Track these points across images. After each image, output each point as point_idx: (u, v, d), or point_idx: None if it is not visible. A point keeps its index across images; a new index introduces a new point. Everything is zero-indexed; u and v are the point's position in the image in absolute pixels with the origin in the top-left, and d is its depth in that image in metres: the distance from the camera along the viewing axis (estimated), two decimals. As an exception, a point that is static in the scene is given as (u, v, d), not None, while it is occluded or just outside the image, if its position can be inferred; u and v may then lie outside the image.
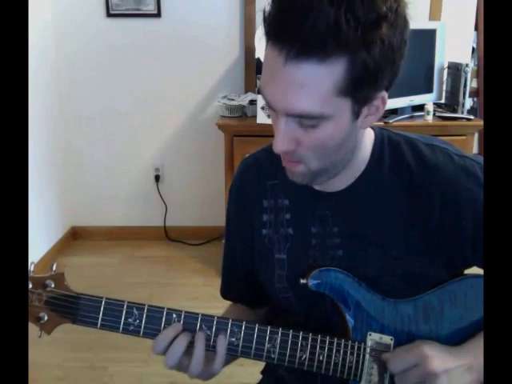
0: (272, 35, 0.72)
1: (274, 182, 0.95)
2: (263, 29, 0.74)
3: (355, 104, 0.75)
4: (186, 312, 0.86)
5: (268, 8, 0.72)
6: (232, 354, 0.87)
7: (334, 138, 0.77)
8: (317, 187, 0.90)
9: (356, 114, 0.76)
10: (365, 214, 0.90)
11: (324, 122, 0.74)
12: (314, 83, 0.71)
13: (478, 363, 0.81)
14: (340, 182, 0.89)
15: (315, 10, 0.67)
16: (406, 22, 0.73)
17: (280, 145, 0.77)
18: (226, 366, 0.94)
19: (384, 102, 0.78)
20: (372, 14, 0.68)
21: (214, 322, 0.86)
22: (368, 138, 0.89)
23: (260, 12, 0.74)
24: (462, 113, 2.82)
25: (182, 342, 0.84)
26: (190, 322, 0.86)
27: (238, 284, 1.06)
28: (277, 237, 0.94)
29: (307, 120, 0.74)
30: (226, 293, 1.09)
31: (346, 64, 0.69)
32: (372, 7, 0.68)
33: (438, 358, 0.82)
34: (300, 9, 0.67)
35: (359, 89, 0.73)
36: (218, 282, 1.09)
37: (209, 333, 0.86)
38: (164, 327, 0.85)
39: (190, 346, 0.85)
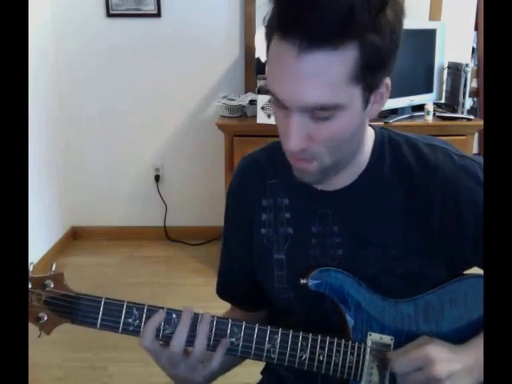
0: (281, 29, 0.71)
1: (273, 180, 0.95)
2: (268, 26, 0.73)
3: (365, 91, 0.75)
4: (186, 312, 0.86)
5: (273, 7, 0.72)
6: (232, 354, 0.87)
7: (347, 128, 0.77)
8: (317, 186, 0.90)
9: (366, 102, 0.76)
10: (365, 213, 0.89)
11: (337, 113, 0.74)
12: (328, 72, 0.70)
13: (479, 364, 0.80)
14: (340, 181, 0.89)
15: None
16: (402, 9, 0.74)
17: (294, 143, 0.76)
18: (226, 372, 0.95)
19: (388, 89, 0.79)
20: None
21: (214, 323, 0.86)
22: (368, 137, 0.89)
23: (260, 12, 0.74)
24: (462, 113, 2.82)
25: (201, 340, 0.83)
26: (189, 322, 0.85)
27: (235, 283, 1.05)
28: (276, 236, 0.94)
29: (321, 112, 0.73)
30: (222, 291, 1.08)
31: (359, 50, 0.70)
32: None
33: (442, 362, 0.81)
34: None
35: (370, 74, 0.73)
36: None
37: (209, 333, 0.85)
38: (164, 327, 0.85)
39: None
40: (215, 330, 0.86)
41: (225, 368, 0.97)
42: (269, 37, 0.75)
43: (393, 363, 0.84)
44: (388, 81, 0.78)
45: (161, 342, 0.85)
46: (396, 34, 0.72)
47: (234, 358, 0.92)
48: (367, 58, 0.71)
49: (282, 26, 0.71)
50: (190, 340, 0.84)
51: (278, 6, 0.71)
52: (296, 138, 0.75)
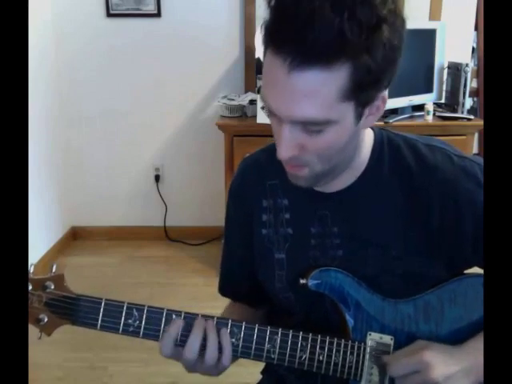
0: (274, 44, 0.71)
1: (273, 181, 0.95)
2: (264, 37, 0.73)
3: (358, 106, 0.75)
4: (185, 313, 0.86)
5: (268, 16, 0.72)
6: (232, 355, 0.87)
7: (339, 141, 0.78)
8: (317, 188, 0.90)
9: (359, 116, 0.77)
10: (364, 214, 0.90)
11: (329, 127, 0.74)
12: (319, 90, 0.71)
13: (478, 365, 0.80)
14: (340, 183, 0.89)
15: (318, 17, 0.67)
16: (403, 21, 0.74)
17: (284, 152, 0.77)
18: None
19: (384, 102, 0.79)
20: (373, 17, 0.68)
21: (214, 322, 0.86)
22: (367, 138, 0.89)
23: (260, 12, 0.74)
24: (462, 113, 2.82)
25: (197, 334, 0.83)
26: (190, 322, 0.85)
27: (237, 282, 1.06)
28: (276, 237, 0.94)
29: (312, 126, 0.74)
30: (224, 291, 1.09)
31: (350, 69, 0.70)
32: (373, 11, 0.68)
33: (439, 365, 0.81)
34: (303, 17, 0.67)
35: (362, 92, 0.73)
36: (217, 282, 1.09)
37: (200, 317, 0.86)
38: (164, 328, 0.85)
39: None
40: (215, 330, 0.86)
41: None
42: (265, 45, 0.75)
43: (390, 367, 0.84)
44: (385, 93, 0.78)
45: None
46: (393, 50, 0.72)
47: None
48: (359, 77, 0.71)
49: (275, 41, 0.71)
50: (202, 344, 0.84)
51: (274, 20, 0.71)
52: (286, 147, 0.76)
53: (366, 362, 0.87)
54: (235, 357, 0.88)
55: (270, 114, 0.77)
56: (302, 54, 0.68)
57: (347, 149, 0.82)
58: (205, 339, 0.84)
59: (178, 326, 0.84)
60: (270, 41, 0.72)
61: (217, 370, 0.86)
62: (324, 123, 0.74)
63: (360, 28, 0.67)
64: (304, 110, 0.72)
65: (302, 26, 0.67)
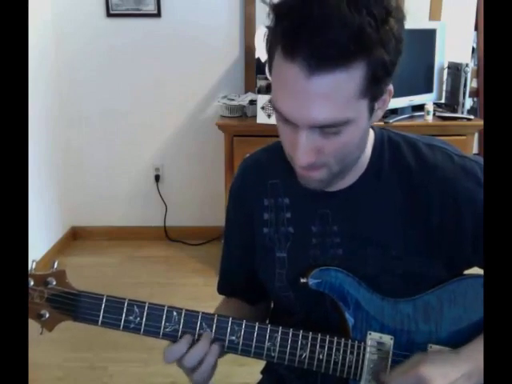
0: (288, 51, 0.70)
1: (274, 180, 0.95)
2: (271, 48, 0.73)
3: (371, 101, 0.75)
4: (186, 310, 0.86)
5: (275, 26, 0.71)
6: (232, 353, 0.87)
7: (355, 139, 0.78)
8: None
9: (371, 111, 0.77)
10: (365, 213, 0.90)
11: (347, 127, 0.74)
12: (339, 91, 0.71)
13: (479, 368, 0.80)
14: (342, 182, 0.89)
15: (336, 18, 0.66)
16: (403, 14, 0.74)
17: (304, 159, 0.76)
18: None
19: (390, 94, 0.80)
20: (384, 10, 0.69)
21: (215, 321, 0.86)
22: (369, 138, 0.89)
23: (260, 12, 0.74)
24: (462, 113, 2.82)
25: (210, 361, 0.84)
26: (190, 320, 0.86)
27: (236, 282, 1.06)
28: (277, 236, 0.94)
29: (330, 128, 0.74)
30: (223, 290, 1.09)
31: (367, 65, 0.70)
32: (383, 4, 0.69)
33: (437, 378, 0.79)
34: (317, 19, 0.67)
35: (376, 86, 0.73)
36: (217, 282, 1.10)
37: (209, 331, 0.86)
38: (165, 325, 0.85)
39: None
40: (215, 328, 0.86)
41: None
42: (271, 53, 0.74)
43: None
44: (391, 86, 0.79)
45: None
46: (400, 42, 0.73)
47: None
48: (374, 72, 0.71)
49: (289, 47, 0.70)
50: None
51: (288, 29, 0.70)
52: (305, 152, 0.76)
53: (366, 362, 0.87)
54: (223, 352, 0.88)
55: (285, 122, 0.76)
56: (319, 58, 0.68)
57: (361, 145, 0.83)
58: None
59: (187, 342, 0.85)
60: (283, 46, 0.71)
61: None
62: (342, 124, 0.73)
63: (376, 23, 0.68)
64: (324, 113, 0.72)
65: (316, 29, 0.67)
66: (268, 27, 0.73)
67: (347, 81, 0.70)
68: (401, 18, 0.73)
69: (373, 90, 0.73)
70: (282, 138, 0.81)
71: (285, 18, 0.70)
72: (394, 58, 0.72)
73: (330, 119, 0.72)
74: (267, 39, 0.75)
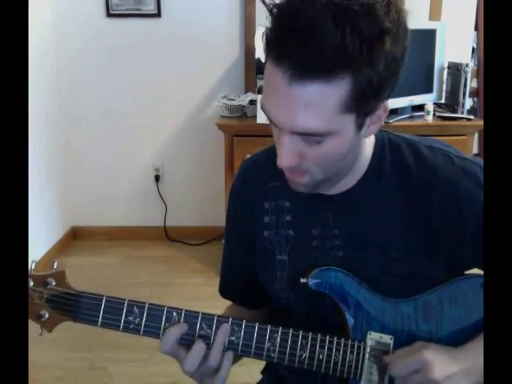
0: (275, 56, 0.71)
1: (275, 183, 0.95)
2: (265, 47, 0.73)
3: (359, 117, 0.75)
4: (186, 311, 0.86)
5: (269, 28, 0.72)
6: (234, 355, 0.87)
7: (339, 151, 0.78)
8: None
9: (360, 126, 0.77)
10: (365, 215, 0.90)
11: (329, 138, 0.74)
12: (319, 103, 0.71)
13: (478, 367, 0.80)
14: (341, 185, 0.89)
15: (320, 30, 0.66)
16: (406, 30, 0.73)
17: (285, 161, 0.77)
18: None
19: (386, 111, 0.79)
20: (376, 29, 0.68)
21: (214, 321, 0.86)
22: (368, 140, 0.89)
23: (260, 12, 0.74)
24: (462, 113, 2.82)
25: (226, 365, 0.85)
26: (190, 320, 0.86)
27: (237, 284, 1.06)
28: (278, 238, 0.94)
29: (312, 137, 0.74)
30: (224, 291, 1.09)
31: (351, 81, 0.69)
32: (375, 23, 0.68)
33: (439, 364, 0.81)
34: (304, 30, 0.67)
35: (363, 103, 0.73)
36: (217, 282, 1.09)
37: (209, 331, 0.86)
38: (165, 325, 0.85)
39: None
40: (215, 328, 0.86)
41: None
42: (266, 54, 0.75)
43: (390, 367, 0.84)
44: (386, 103, 0.78)
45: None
46: (395, 61, 0.72)
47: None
48: (360, 89, 0.70)
49: (276, 52, 0.71)
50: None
51: (276, 32, 0.71)
52: (286, 156, 0.77)
53: (366, 362, 0.87)
54: (238, 356, 0.88)
55: (271, 123, 0.77)
56: (302, 67, 0.68)
57: (347, 157, 0.82)
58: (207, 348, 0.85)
59: (181, 328, 0.85)
60: (271, 52, 0.72)
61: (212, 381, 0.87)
62: (323, 134, 0.74)
63: (362, 41, 0.67)
64: (304, 121, 0.72)
65: (302, 38, 0.67)
66: (266, 27, 0.73)
67: (329, 93, 0.70)
68: (400, 36, 0.71)
69: (360, 106, 0.73)
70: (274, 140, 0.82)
71: (277, 22, 0.71)
72: (386, 76, 0.71)
73: (310, 128, 0.73)
74: (264, 39, 0.75)
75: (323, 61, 0.67)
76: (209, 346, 0.85)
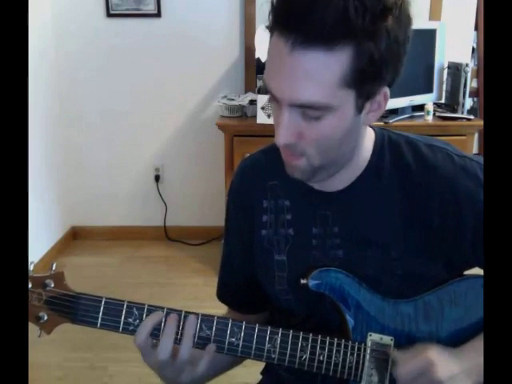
0: (278, 24, 0.72)
1: (274, 182, 0.95)
2: (269, 19, 0.74)
3: (359, 97, 0.75)
4: (185, 312, 0.86)
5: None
6: (232, 354, 0.87)
7: (337, 131, 0.77)
8: (317, 187, 0.90)
9: (359, 109, 0.77)
10: (365, 213, 0.89)
11: (328, 114, 0.74)
12: (320, 72, 0.71)
13: (477, 367, 0.80)
14: (340, 182, 0.89)
15: None
16: (409, 19, 0.74)
17: (283, 137, 0.77)
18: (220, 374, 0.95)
19: (386, 99, 0.79)
20: (379, 5, 0.69)
21: (214, 322, 0.86)
22: (368, 138, 0.89)
23: (260, 12, 0.75)
24: (462, 113, 2.82)
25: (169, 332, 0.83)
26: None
27: (235, 285, 1.05)
28: (276, 238, 0.94)
29: (311, 111, 0.74)
30: (221, 294, 1.08)
31: (353, 54, 0.70)
32: None
33: (443, 364, 0.81)
34: None
35: (364, 81, 0.73)
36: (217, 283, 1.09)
37: (209, 333, 0.86)
38: (164, 326, 0.85)
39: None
40: (215, 330, 0.86)
41: (217, 370, 0.97)
42: (270, 32, 0.75)
43: (395, 372, 0.83)
44: (387, 90, 0.78)
45: (154, 341, 0.85)
46: (397, 44, 0.72)
47: (226, 360, 0.93)
48: (361, 64, 0.71)
49: (278, 22, 0.72)
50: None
51: (278, 1, 0.72)
52: (285, 132, 0.76)
53: (367, 363, 0.87)
54: (231, 357, 0.88)
55: (271, 97, 0.77)
56: (304, 34, 0.69)
57: (346, 143, 0.81)
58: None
59: (154, 318, 0.84)
60: (274, 22, 0.73)
61: (190, 375, 0.85)
62: (323, 108, 0.73)
63: (365, 11, 0.68)
64: (304, 91, 0.72)
65: (306, 5, 0.68)
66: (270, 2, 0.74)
67: (330, 63, 0.70)
68: (403, 19, 0.72)
69: (360, 84, 0.73)
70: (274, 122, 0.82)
71: None
72: (387, 56, 0.72)
73: (309, 100, 0.73)
74: (269, 10, 0.75)
75: (325, 28, 0.68)
76: (199, 346, 0.85)
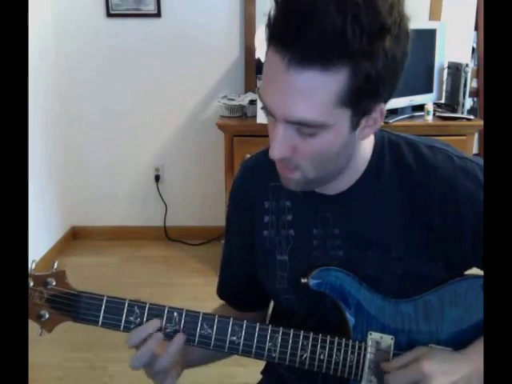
0: (275, 40, 0.71)
1: (275, 183, 0.94)
2: (266, 32, 0.73)
3: (354, 115, 0.75)
4: (187, 311, 0.86)
5: (272, 11, 0.72)
6: (233, 353, 0.87)
7: (332, 147, 0.77)
8: (318, 190, 0.90)
9: (355, 125, 0.76)
10: (365, 215, 0.89)
11: (322, 132, 0.74)
12: (316, 91, 0.70)
13: (478, 371, 0.80)
14: (341, 184, 0.89)
15: (321, 16, 0.66)
16: (408, 36, 0.73)
17: (277, 151, 0.77)
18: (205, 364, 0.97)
19: (382, 115, 0.79)
20: (377, 25, 0.68)
21: (215, 321, 0.86)
22: (368, 140, 0.89)
23: (260, 12, 0.75)
24: (462, 113, 2.82)
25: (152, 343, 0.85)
26: (190, 320, 0.86)
27: (235, 284, 1.05)
28: (278, 238, 0.94)
29: (306, 128, 0.74)
30: (222, 293, 1.09)
31: (349, 74, 0.69)
32: (377, 18, 0.68)
33: (440, 376, 0.80)
34: (305, 14, 0.67)
35: (360, 100, 0.73)
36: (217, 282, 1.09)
37: (209, 331, 0.86)
38: (166, 326, 0.85)
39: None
40: (216, 328, 0.86)
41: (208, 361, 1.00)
42: (267, 43, 0.75)
43: (388, 378, 0.83)
44: (383, 106, 0.77)
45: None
46: (395, 62, 0.72)
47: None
48: (358, 83, 0.70)
49: (276, 37, 0.71)
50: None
51: (278, 15, 0.71)
52: (278, 146, 0.76)
53: (367, 362, 0.87)
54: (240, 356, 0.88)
55: (267, 112, 0.77)
56: (301, 52, 0.68)
57: (340, 157, 0.81)
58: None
59: (154, 325, 0.85)
60: (271, 37, 0.72)
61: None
62: (318, 126, 0.73)
63: (362, 31, 0.67)
64: (299, 110, 0.72)
65: (303, 24, 0.67)
66: (268, 13, 0.73)
67: (326, 83, 0.70)
68: (401, 39, 0.71)
69: (356, 102, 0.72)
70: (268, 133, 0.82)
71: (279, 7, 0.71)
72: (385, 75, 0.71)
73: (304, 118, 0.72)
74: (266, 25, 0.75)
75: (322, 47, 0.67)
76: (209, 347, 0.86)
